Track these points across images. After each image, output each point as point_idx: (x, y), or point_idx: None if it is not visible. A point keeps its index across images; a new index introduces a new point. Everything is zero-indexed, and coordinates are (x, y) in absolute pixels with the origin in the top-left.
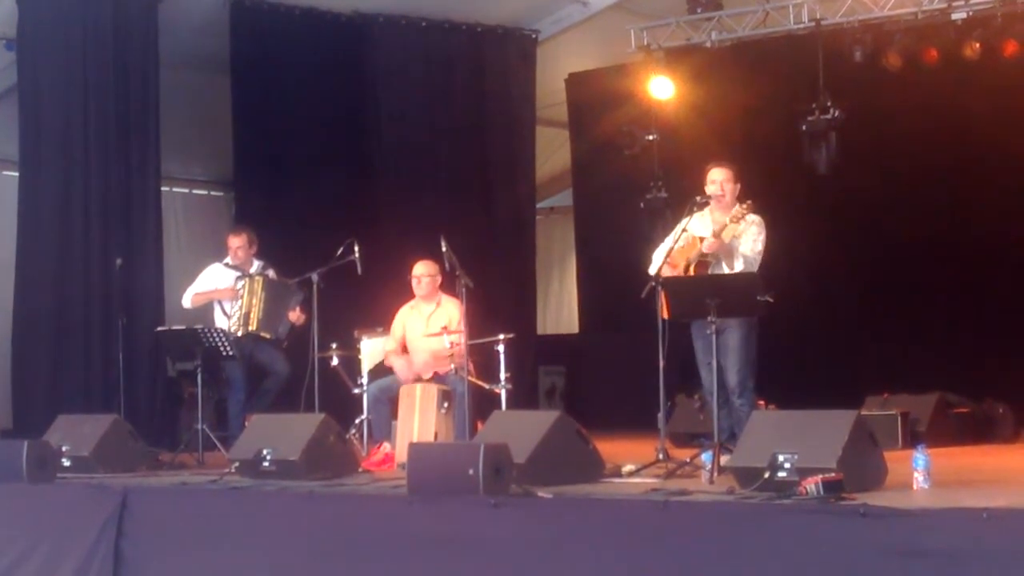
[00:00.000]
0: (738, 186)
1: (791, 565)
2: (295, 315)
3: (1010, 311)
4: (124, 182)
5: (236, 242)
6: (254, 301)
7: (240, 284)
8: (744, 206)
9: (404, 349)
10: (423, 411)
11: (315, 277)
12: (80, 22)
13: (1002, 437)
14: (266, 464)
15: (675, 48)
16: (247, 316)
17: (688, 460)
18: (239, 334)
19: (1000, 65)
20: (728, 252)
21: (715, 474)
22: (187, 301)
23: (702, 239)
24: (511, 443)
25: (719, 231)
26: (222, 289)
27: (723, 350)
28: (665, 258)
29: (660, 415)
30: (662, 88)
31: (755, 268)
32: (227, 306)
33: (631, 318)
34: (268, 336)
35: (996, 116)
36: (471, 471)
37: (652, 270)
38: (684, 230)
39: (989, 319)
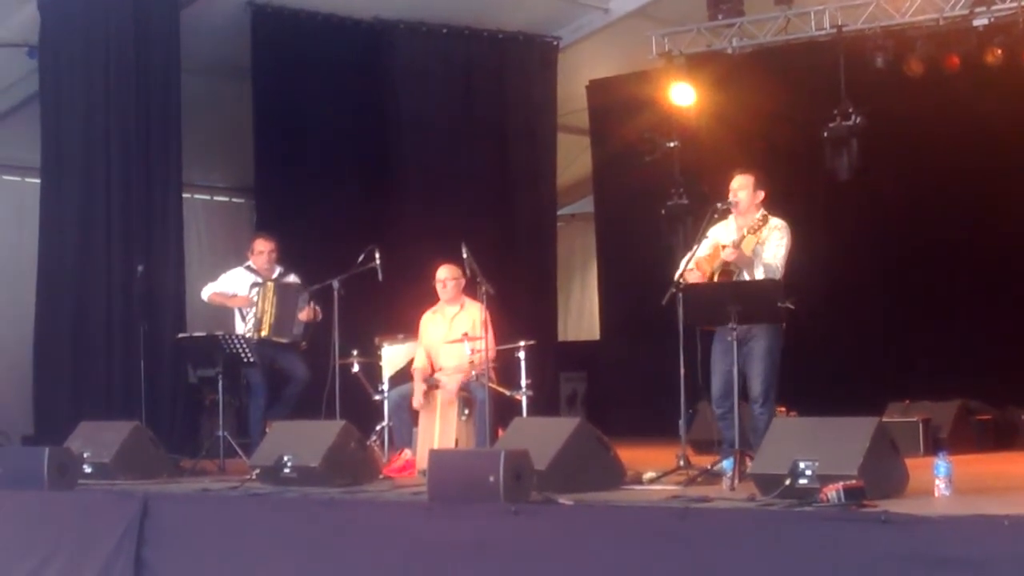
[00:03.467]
0: (760, 193)
1: (812, 572)
2: (305, 314)
3: None
4: (145, 189)
5: (267, 246)
6: (266, 307)
7: (254, 292)
8: (759, 218)
9: (431, 360)
10: (444, 418)
11: (336, 284)
12: (102, 29)
13: None
14: (287, 471)
15: (696, 54)
16: (260, 321)
17: (709, 467)
18: (254, 340)
19: (1022, 71)
20: (748, 262)
21: (736, 481)
22: (205, 295)
23: (724, 247)
24: (532, 450)
25: (739, 242)
26: (239, 297)
27: (748, 358)
28: (687, 264)
29: (681, 422)
30: (683, 95)
31: (779, 274)
32: (245, 312)
33: (652, 325)
34: (284, 340)
35: (1018, 122)
36: (492, 478)
37: (677, 275)
38: (706, 236)
39: (1011, 326)
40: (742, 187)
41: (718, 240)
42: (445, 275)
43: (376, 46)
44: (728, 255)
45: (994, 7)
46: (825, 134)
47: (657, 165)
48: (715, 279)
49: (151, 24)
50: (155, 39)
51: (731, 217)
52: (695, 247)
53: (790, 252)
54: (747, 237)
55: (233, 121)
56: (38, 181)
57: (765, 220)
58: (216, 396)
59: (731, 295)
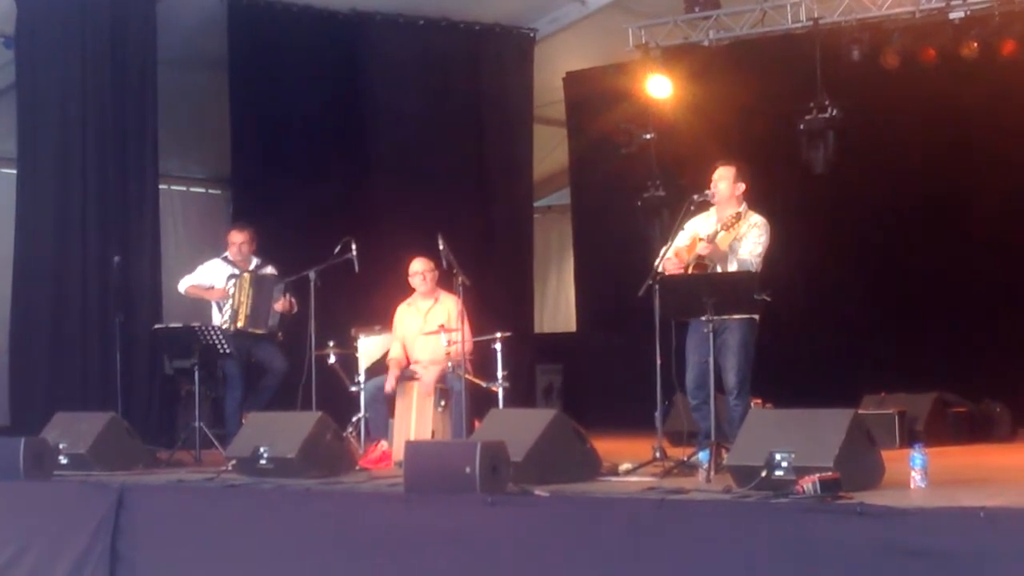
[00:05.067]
0: (740, 185)
1: (788, 564)
2: (281, 305)
3: (1008, 310)
4: (122, 180)
5: (240, 237)
6: (242, 298)
7: (231, 283)
8: (733, 215)
9: (406, 353)
10: (420, 409)
11: (312, 275)
12: (78, 20)
13: (999, 437)
14: (263, 462)
15: (673, 47)
16: (236, 313)
17: (685, 459)
18: (231, 331)
19: (998, 64)
20: (722, 257)
21: (712, 473)
22: (182, 287)
23: (700, 240)
24: (508, 441)
25: (713, 236)
26: (215, 289)
27: (722, 350)
28: (663, 255)
29: (657, 414)
30: (659, 87)
31: (753, 270)
32: (222, 304)
33: (629, 316)
34: (260, 331)
35: (994, 115)
36: (468, 469)
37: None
38: (682, 228)
39: (987, 318)
40: (722, 178)
41: (697, 232)
42: (422, 267)
43: (353, 38)
44: (702, 249)
45: (969, 0)
46: (801, 126)
47: (633, 157)
48: (689, 270)
49: (127, 15)
50: (131, 30)
51: (712, 208)
52: (671, 240)
53: (768, 249)
54: (720, 233)
55: (210, 113)
56: (14, 172)
57: (738, 218)
58: (192, 387)
59: (707, 287)
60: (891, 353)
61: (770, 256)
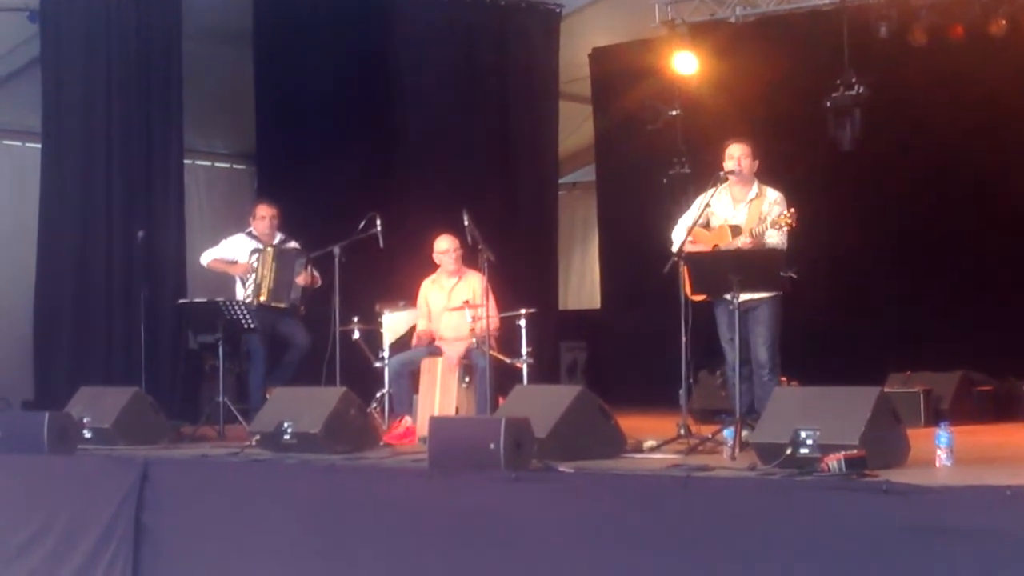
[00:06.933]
0: (756, 163)
1: (812, 541)
2: (303, 279)
3: None
4: (146, 155)
5: (270, 211)
6: (265, 272)
7: (254, 257)
8: (789, 214)
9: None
10: (444, 385)
11: (337, 251)
12: None
13: None
14: (287, 437)
15: (699, 23)
16: (259, 287)
17: (710, 436)
18: (254, 306)
19: None
20: (762, 247)
21: (737, 450)
22: (204, 260)
23: (733, 228)
24: (532, 418)
25: (762, 232)
26: (239, 264)
27: (752, 325)
28: (687, 236)
29: (682, 391)
30: (686, 63)
31: (783, 248)
32: (245, 278)
33: (653, 293)
34: (282, 305)
35: (1022, 92)
36: (492, 445)
37: (674, 247)
38: (707, 205)
39: (1013, 297)
40: (745, 155)
41: (717, 212)
42: (449, 245)
43: (378, 13)
44: (744, 244)
45: None
46: (828, 104)
47: (659, 134)
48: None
49: None
50: (157, 4)
51: (724, 186)
52: (691, 219)
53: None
54: (771, 231)
55: (235, 88)
56: (39, 146)
57: (793, 218)
58: (216, 362)
59: (733, 264)
60: (917, 331)
61: (795, 234)
